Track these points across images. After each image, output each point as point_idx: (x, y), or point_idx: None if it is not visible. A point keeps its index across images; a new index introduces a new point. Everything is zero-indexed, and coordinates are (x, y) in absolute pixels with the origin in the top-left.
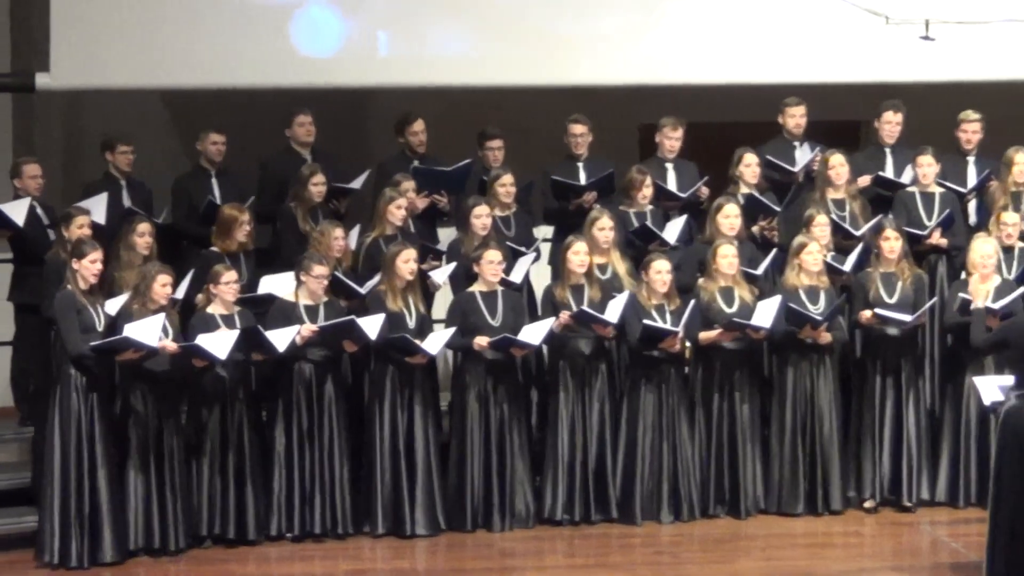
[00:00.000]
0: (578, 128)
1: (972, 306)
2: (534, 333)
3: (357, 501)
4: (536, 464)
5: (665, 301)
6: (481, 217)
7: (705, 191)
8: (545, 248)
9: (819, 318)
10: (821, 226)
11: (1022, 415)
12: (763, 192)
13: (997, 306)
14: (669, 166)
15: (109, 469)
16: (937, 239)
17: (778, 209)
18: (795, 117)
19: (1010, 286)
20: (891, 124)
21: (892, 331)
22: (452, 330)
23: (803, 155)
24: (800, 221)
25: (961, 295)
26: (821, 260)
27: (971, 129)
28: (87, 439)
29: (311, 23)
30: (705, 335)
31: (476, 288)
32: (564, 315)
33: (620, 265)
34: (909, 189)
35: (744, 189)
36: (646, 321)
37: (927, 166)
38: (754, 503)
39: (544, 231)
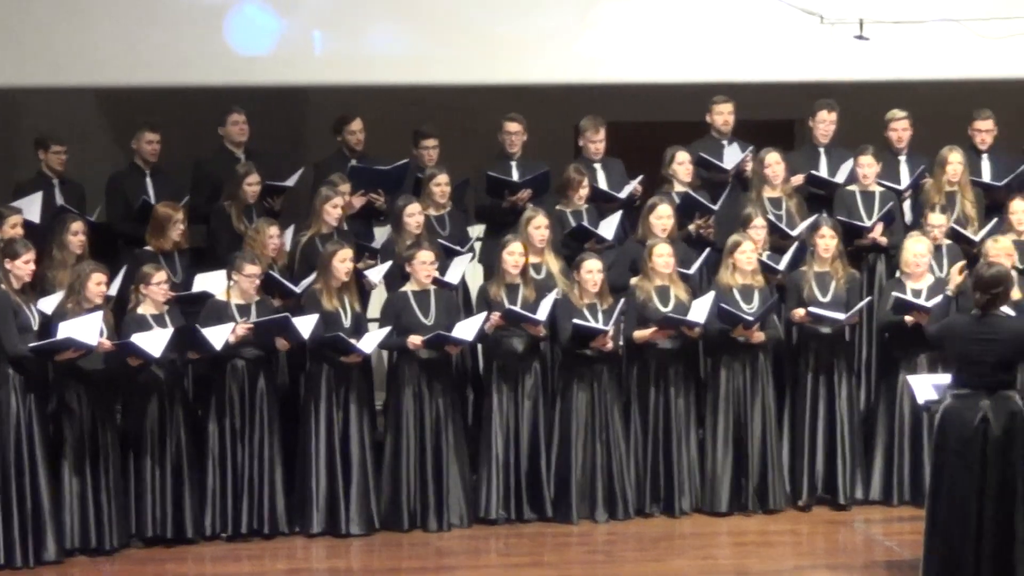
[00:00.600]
0: (512, 126)
1: (947, 290)
2: (467, 329)
3: (291, 500)
4: (472, 463)
5: (597, 300)
6: (414, 216)
7: (639, 189)
8: (478, 247)
9: (750, 318)
10: (757, 228)
11: (959, 415)
12: (695, 190)
13: (929, 304)
14: (597, 166)
15: (49, 468)
16: (879, 235)
17: (715, 208)
18: (723, 115)
19: (941, 284)
20: (825, 123)
21: (825, 330)
22: (387, 329)
23: (731, 153)
24: (733, 220)
25: (895, 294)
26: (755, 259)
27: (900, 128)
28: (26, 438)
29: (247, 22)
30: (640, 333)
31: (409, 288)
32: (495, 315)
33: (554, 264)
34: (849, 188)
35: (678, 188)
36: (576, 320)
37: (868, 166)
38: (689, 502)
39: (477, 229)
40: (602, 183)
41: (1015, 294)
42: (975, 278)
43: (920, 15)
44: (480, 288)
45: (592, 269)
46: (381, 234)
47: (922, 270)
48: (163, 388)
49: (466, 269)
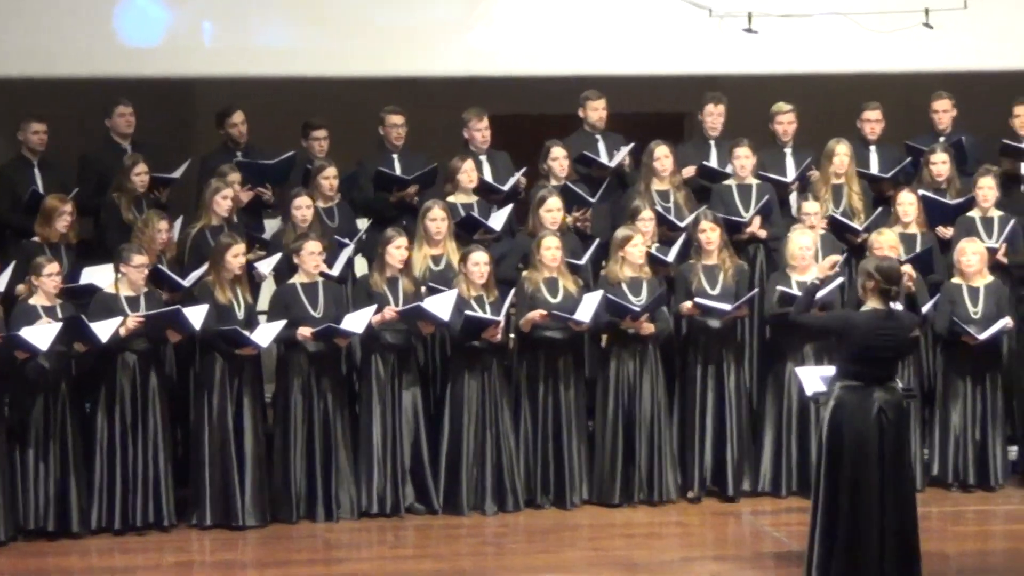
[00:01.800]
0: (395, 119)
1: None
2: (356, 322)
3: (181, 493)
4: (360, 455)
5: (484, 292)
6: (302, 208)
7: (523, 181)
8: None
9: (636, 309)
10: (646, 220)
11: (855, 407)
12: (575, 183)
13: (816, 297)
14: (483, 158)
15: None
16: (756, 229)
17: (592, 200)
18: (597, 110)
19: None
20: (713, 116)
21: (714, 323)
22: (282, 323)
23: (606, 148)
24: (615, 213)
25: (780, 288)
26: (644, 253)
27: (785, 120)
28: None
29: (136, 13)
30: (526, 318)
31: (297, 280)
32: (389, 310)
33: (454, 256)
34: (726, 182)
35: (554, 182)
36: (468, 312)
37: (744, 158)
38: (579, 493)
39: (364, 222)
40: (487, 175)
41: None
42: (880, 271)
43: (808, 9)
44: (360, 278)
45: (478, 261)
46: (271, 225)
47: (807, 263)
48: (49, 381)
49: (354, 261)
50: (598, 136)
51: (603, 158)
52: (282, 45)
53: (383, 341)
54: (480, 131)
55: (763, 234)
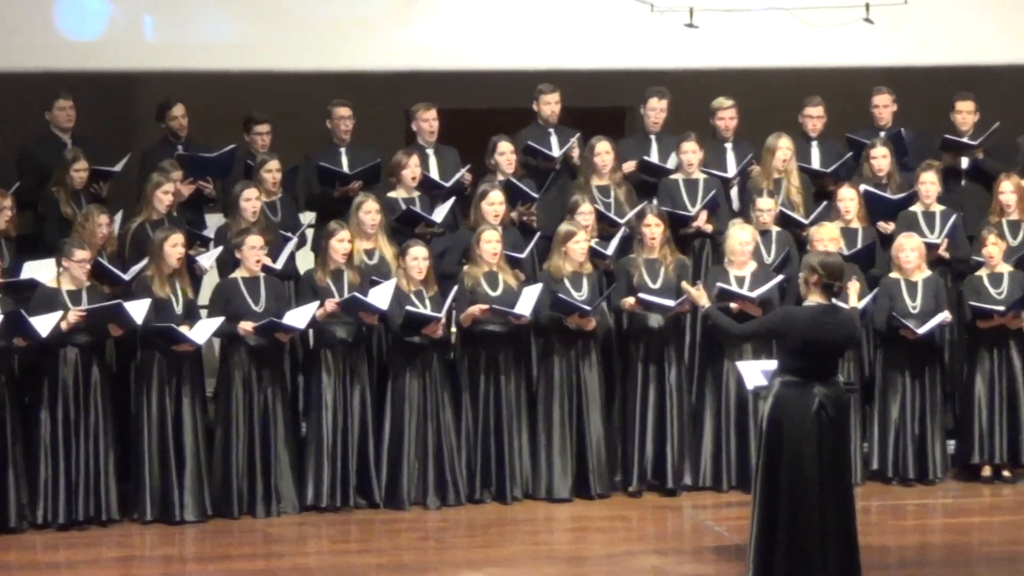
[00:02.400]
0: (342, 112)
1: (706, 309)
2: (299, 317)
3: (123, 488)
4: (302, 450)
5: (423, 287)
6: (251, 201)
7: (469, 177)
8: (309, 234)
9: (587, 308)
10: (585, 214)
11: (795, 403)
12: (520, 179)
13: (755, 294)
14: (430, 152)
15: None
16: (703, 223)
17: (535, 195)
18: (550, 104)
19: (765, 271)
20: (656, 111)
21: (655, 319)
22: (220, 320)
23: (558, 142)
24: (559, 207)
25: (719, 284)
26: (586, 248)
27: (727, 116)
28: None
29: (76, 6)
30: (466, 313)
31: (239, 274)
32: (331, 303)
33: (387, 250)
34: (673, 176)
35: (501, 177)
36: (408, 307)
37: (691, 152)
38: (520, 488)
39: (309, 216)
40: (434, 169)
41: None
42: (823, 267)
43: (749, 4)
44: (305, 274)
45: (417, 256)
46: (212, 221)
47: (745, 258)
48: None
49: (296, 255)
50: (551, 130)
51: (555, 151)
52: (223, 39)
53: (333, 336)
54: (427, 121)
55: (709, 228)
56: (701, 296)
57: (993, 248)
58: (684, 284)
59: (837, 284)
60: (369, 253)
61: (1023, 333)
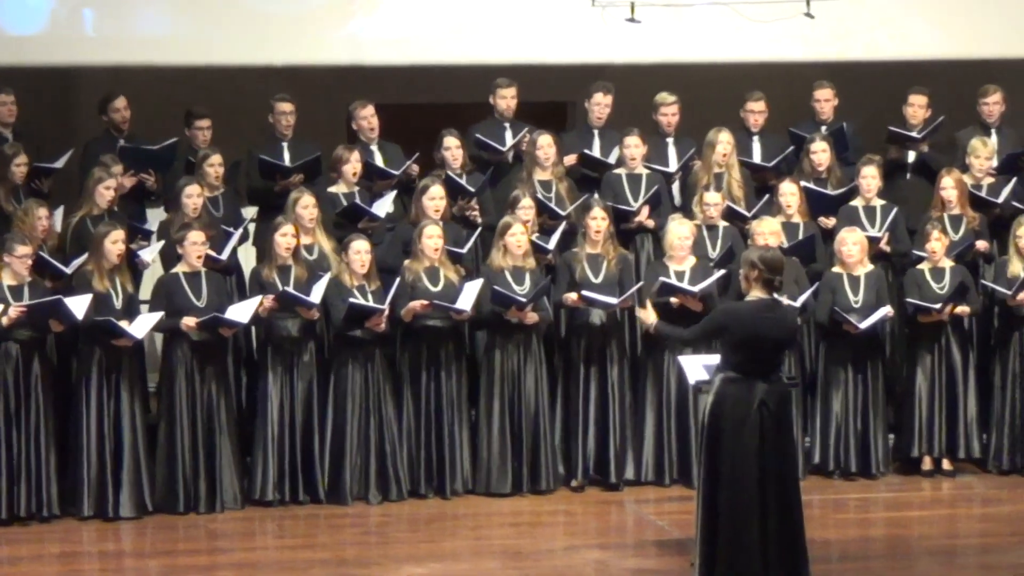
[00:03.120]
0: (284, 107)
1: (655, 327)
2: (241, 312)
3: (64, 483)
4: (246, 445)
5: (366, 281)
6: (192, 197)
7: (416, 168)
8: (252, 228)
9: (523, 299)
10: (525, 208)
11: (736, 399)
12: (470, 173)
13: (696, 288)
14: (374, 148)
15: None
16: (645, 219)
17: (472, 190)
18: (506, 98)
19: (705, 266)
20: (600, 106)
21: (597, 314)
22: (159, 315)
23: (513, 136)
24: (504, 202)
25: (661, 279)
26: (526, 241)
27: (669, 112)
28: None
29: (16, 1)
30: (407, 308)
31: (180, 269)
32: (268, 298)
33: (326, 244)
34: (616, 171)
35: (448, 171)
36: (351, 300)
37: (634, 147)
38: (462, 483)
39: (251, 210)
40: (379, 163)
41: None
42: (764, 262)
43: None
44: (252, 270)
45: (360, 250)
46: (154, 215)
47: (685, 253)
48: None
49: (238, 250)
50: (506, 124)
51: (508, 145)
52: (164, 33)
53: (280, 331)
54: (366, 119)
55: (651, 224)
56: (650, 315)
57: (936, 243)
58: (638, 310)
59: (778, 279)
60: (308, 248)
61: (962, 328)
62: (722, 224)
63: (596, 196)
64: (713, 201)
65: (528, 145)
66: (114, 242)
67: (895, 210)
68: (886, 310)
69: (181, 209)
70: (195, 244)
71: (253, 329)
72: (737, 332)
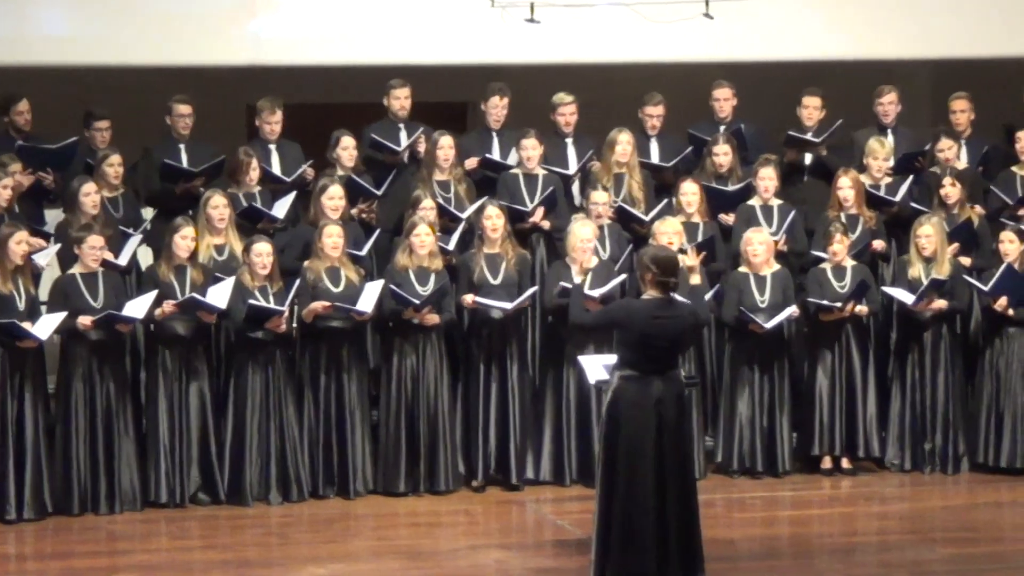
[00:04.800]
0: (182, 108)
1: (574, 281)
2: (137, 308)
3: None
4: (144, 445)
5: (267, 283)
6: (90, 195)
7: (311, 172)
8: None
9: (416, 301)
10: (427, 209)
11: (633, 397)
12: (360, 174)
13: (597, 293)
14: (272, 147)
15: None
16: (539, 219)
17: (378, 193)
18: (400, 99)
19: (607, 266)
20: (497, 108)
21: (496, 314)
22: (63, 315)
23: (408, 136)
24: (402, 203)
25: (562, 283)
26: (429, 242)
27: (567, 112)
28: None
29: None
30: (308, 308)
31: (77, 270)
32: (168, 304)
33: (237, 245)
34: (512, 172)
35: (341, 172)
36: (251, 301)
37: (531, 148)
38: (363, 483)
39: (151, 212)
40: (276, 165)
41: (695, 279)
42: (657, 262)
43: None
44: (148, 268)
45: (261, 252)
46: (52, 216)
47: (587, 255)
48: None
49: (137, 251)
50: (400, 124)
51: (402, 146)
52: (63, 33)
53: (170, 332)
54: (271, 124)
55: (546, 225)
56: (580, 272)
57: (838, 245)
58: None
59: (672, 280)
60: (219, 248)
61: (863, 327)
62: (608, 223)
63: (490, 197)
64: (600, 200)
65: (428, 146)
66: (18, 243)
67: (793, 210)
68: (791, 310)
69: (78, 209)
70: (93, 248)
71: (146, 330)
72: (631, 329)
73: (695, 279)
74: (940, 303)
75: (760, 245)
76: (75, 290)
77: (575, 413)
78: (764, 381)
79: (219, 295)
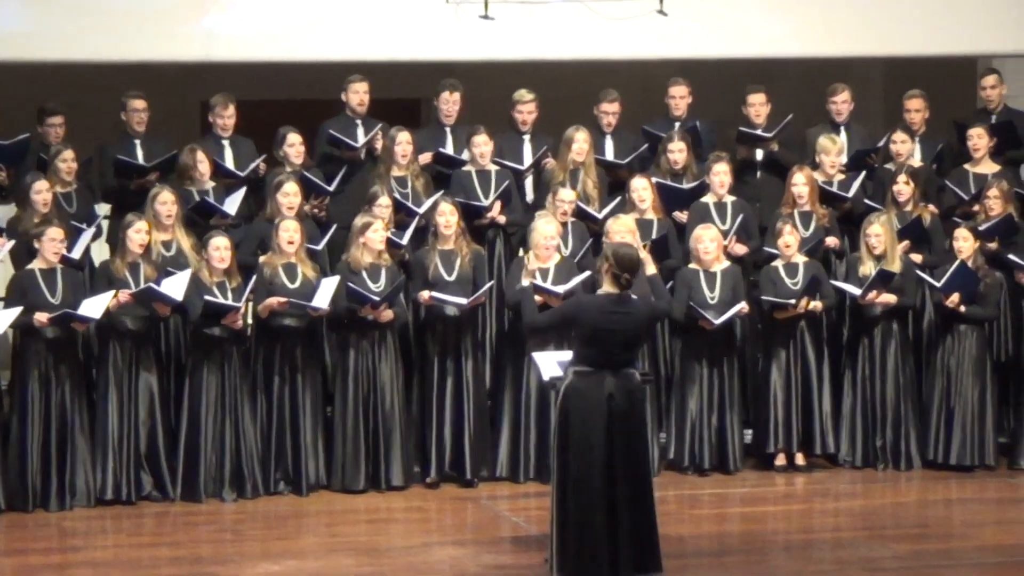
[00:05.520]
0: (136, 104)
1: (520, 284)
2: (94, 307)
3: None
4: (96, 442)
5: (226, 278)
6: (42, 192)
7: (263, 167)
8: (105, 224)
9: (376, 298)
10: (383, 207)
11: (584, 392)
12: (310, 169)
13: (561, 290)
14: (226, 143)
15: None
16: (496, 215)
17: (330, 189)
18: (359, 93)
19: (569, 263)
20: (449, 104)
21: (451, 311)
22: (18, 310)
23: (365, 132)
24: (359, 199)
25: (526, 282)
26: (384, 238)
27: (526, 109)
28: None
29: None
30: (264, 304)
31: (36, 265)
32: (124, 293)
33: (184, 241)
34: (465, 168)
35: (289, 168)
36: (207, 297)
37: (482, 145)
38: (316, 480)
39: (104, 208)
40: (229, 160)
41: (650, 269)
42: (615, 257)
43: None
44: (101, 264)
45: (219, 246)
46: (4, 211)
47: (550, 252)
48: None
49: (91, 246)
50: (358, 120)
51: (360, 142)
52: (15, 28)
53: (121, 327)
54: (224, 118)
55: (503, 220)
56: (531, 272)
57: (790, 238)
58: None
59: (624, 276)
60: (166, 244)
61: (817, 324)
62: (571, 221)
63: (443, 193)
64: (567, 198)
65: (386, 142)
66: None
67: (746, 207)
68: (740, 306)
69: (30, 205)
70: (53, 240)
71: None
72: (584, 324)
73: (650, 269)
74: (889, 297)
75: (711, 242)
76: (33, 285)
77: (534, 409)
78: (714, 378)
79: (175, 287)
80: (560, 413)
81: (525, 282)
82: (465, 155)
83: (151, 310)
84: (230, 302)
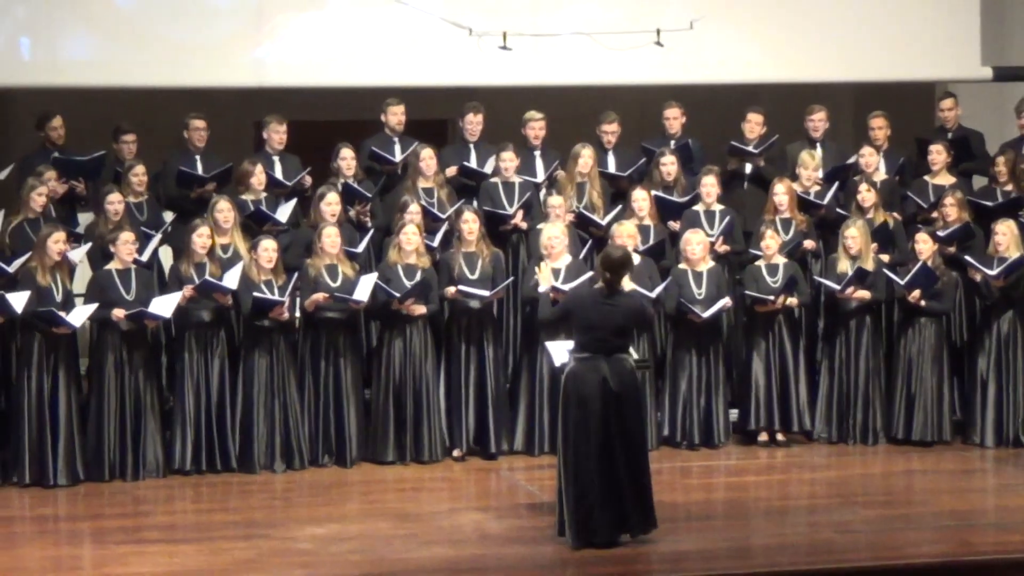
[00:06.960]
0: (197, 123)
1: (539, 289)
2: (164, 306)
3: (5, 455)
4: (166, 420)
5: (272, 276)
6: (114, 203)
7: (309, 180)
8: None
9: (398, 295)
10: (413, 213)
11: (582, 375)
12: (359, 182)
13: (567, 287)
14: (276, 158)
15: None
16: (519, 221)
17: (369, 196)
18: (397, 115)
19: (578, 264)
20: (472, 123)
21: (474, 304)
22: (94, 306)
23: (402, 150)
24: (395, 207)
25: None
26: (418, 241)
27: (536, 127)
28: None
29: None
30: (310, 299)
31: (113, 266)
32: (188, 289)
33: (241, 244)
34: (492, 180)
35: (342, 179)
36: (255, 293)
37: (509, 160)
38: (357, 453)
39: (170, 216)
40: (278, 173)
41: (626, 285)
42: (601, 258)
43: (555, 29)
44: (171, 266)
45: (267, 248)
46: (84, 219)
47: (560, 250)
48: None
49: (159, 250)
50: (396, 138)
51: (398, 157)
52: (93, 58)
53: (195, 318)
54: (278, 133)
55: (524, 225)
56: (547, 279)
57: (771, 241)
58: (537, 269)
59: (607, 274)
60: (225, 247)
61: (793, 318)
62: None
63: (467, 202)
64: (556, 204)
65: (412, 157)
66: (56, 242)
67: (730, 214)
68: (725, 301)
69: (105, 213)
70: (126, 243)
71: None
72: (579, 315)
73: (628, 285)
74: (864, 293)
75: (697, 245)
76: (111, 283)
77: (547, 391)
78: (702, 364)
79: (229, 278)
80: (562, 392)
81: (542, 288)
82: (487, 168)
83: (213, 300)
84: (275, 296)
